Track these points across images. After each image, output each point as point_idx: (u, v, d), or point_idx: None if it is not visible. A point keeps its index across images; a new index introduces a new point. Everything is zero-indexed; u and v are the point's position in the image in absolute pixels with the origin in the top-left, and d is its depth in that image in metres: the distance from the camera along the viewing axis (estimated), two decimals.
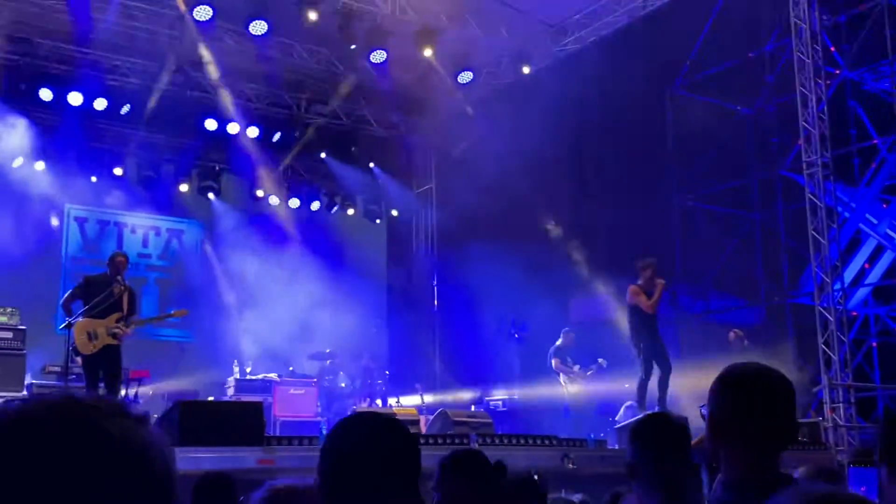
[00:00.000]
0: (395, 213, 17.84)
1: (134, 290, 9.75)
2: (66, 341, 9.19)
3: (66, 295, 9.57)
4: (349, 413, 10.95)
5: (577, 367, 13.53)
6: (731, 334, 13.15)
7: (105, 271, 9.61)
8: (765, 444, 2.25)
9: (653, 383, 11.04)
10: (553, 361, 13.51)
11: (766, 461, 2.25)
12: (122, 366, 9.81)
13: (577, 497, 4.34)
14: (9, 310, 11.41)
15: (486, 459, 4.09)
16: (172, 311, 10.88)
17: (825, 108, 12.48)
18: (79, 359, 9.38)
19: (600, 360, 13.45)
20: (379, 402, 13.78)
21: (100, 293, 9.22)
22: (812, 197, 12.36)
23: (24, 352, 11.07)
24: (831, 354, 11.92)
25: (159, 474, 0.93)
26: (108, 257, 9.78)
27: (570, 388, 13.38)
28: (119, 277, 9.40)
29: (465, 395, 15.34)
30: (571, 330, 13.80)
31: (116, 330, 9.25)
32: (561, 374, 13.44)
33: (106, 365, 9.29)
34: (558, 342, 13.63)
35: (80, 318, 9.20)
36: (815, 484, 3.38)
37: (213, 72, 14.10)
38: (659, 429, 2.73)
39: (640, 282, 11.25)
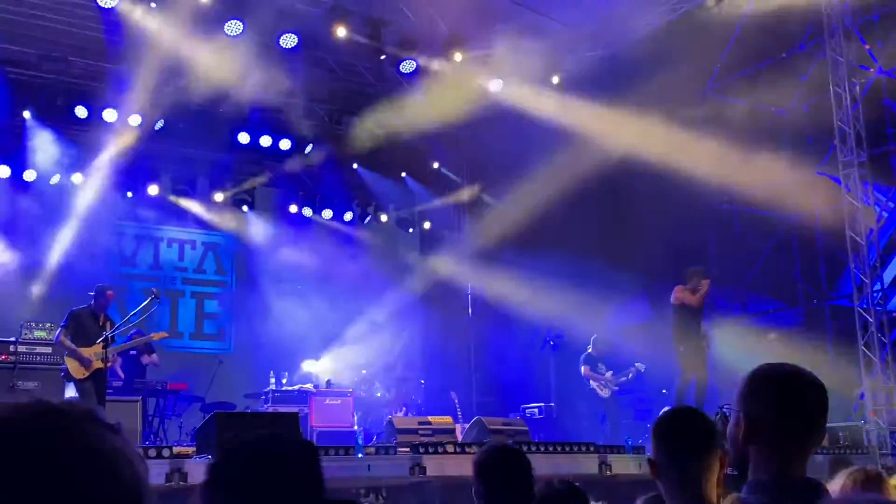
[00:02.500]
0: (427, 224, 17.85)
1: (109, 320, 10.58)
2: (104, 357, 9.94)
3: (60, 332, 10.33)
4: (384, 422, 10.99)
5: (609, 374, 13.44)
6: (771, 336, 13.03)
7: (89, 304, 10.47)
8: (795, 446, 2.22)
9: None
10: (582, 368, 13.49)
11: (795, 464, 2.22)
12: (146, 378, 11.45)
13: None
14: (48, 325, 11.57)
15: (521, 454, 4.07)
16: (153, 334, 11.55)
17: (860, 106, 12.34)
18: (71, 384, 10.16)
19: (637, 364, 13.36)
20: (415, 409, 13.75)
21: (87, 324, 10.24)
22: (849, 197, 12.21)
23: (64, 366, 11.19)
24: (872, 356, 11.76)
25: (127, 482, 0.93)
26: (98, 289, 10.56)
27: (603, 392, 13.36)
28: (105, 310, 10.47)
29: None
30: (601, 337, 13.75)
31: (106, 355, 9.99)
32: (591, 381, 13.41)
33: (96, 386, 10.05)
34: (588, 349, 13.61)
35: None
36: (859, 493, 3.32)
37: (245, 86, 14.20)
38: (681, 424, 2.68)
39: (687, 286, 11.33)
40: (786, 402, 2.24)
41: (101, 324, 10.31)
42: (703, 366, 11.05)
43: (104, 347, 9.94)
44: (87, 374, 10.08)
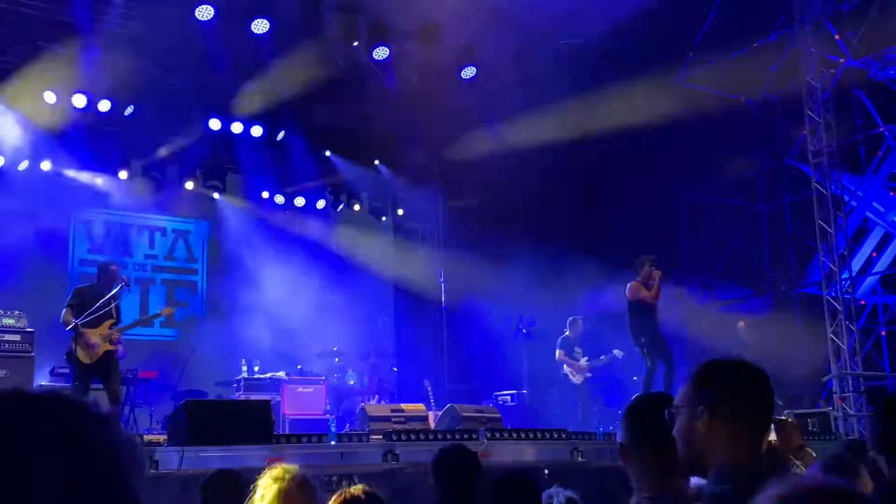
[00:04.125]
0: (400, 211, 17.82)
1: (119, 296, 10.09)
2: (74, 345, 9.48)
3: (65, 311, 9.83)
4: (357, 410, 10.98)
5: (584, 360, 13.34)
6: (741, 324, 13.13)
7: (94, 282, 10.07)
8: (754, 432, 2.30)
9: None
10: (557, 353, 13.37)
11: (756, 450, 2.28)
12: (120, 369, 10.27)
13: (569, 493, 4.33)
14: (16, 312, 11.43)
15: (473, 455, 4.21)
16: (159, 311, 11.08)
17: (830, 96, 12.44)
18: (77, 367, 9.61)
19: (616, 350, 13.24)
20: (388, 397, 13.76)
21: (93, 302, 9.64)
22: (818, 186, 12.33)
23: (33, 354, 11.08)
24: (840, 344, 11.90)
25: (109, 472, 0.93)
26: (100, 267, 10.21)
27: (575, 378, 13.25)
28: (110, 286, 9.83)
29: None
30: (578, 318, 13.62)
31: (113, 336, 9.67)
32: (565, 366, 13.32)
33: (105, 370, 9.65)
34: (566, 332, 13.48)
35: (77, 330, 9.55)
36: (823, 475, 3.36)
37: (217, 71, 14.08)
38: (651, 409, 2.70)
39: (638, 278, 11.30)
40: (741, 390, 2.31)
41: (106, 303, 9.74)
42: (668, 352, 11.10)
43: (111, 328, 9.67)
44: (93, 360, 9.61)
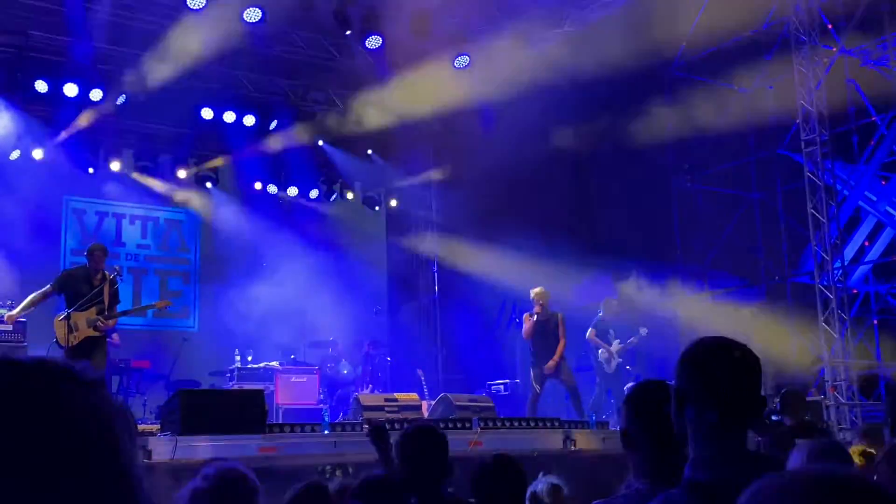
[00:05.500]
0: (393, 202, 17.79)
1: (115, 279, 9.76)
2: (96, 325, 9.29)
3: (41, 290, 9.59)
4: (351, 399, 10.99)
5: (616, 342, 12.56)
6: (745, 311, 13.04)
7: (85, 264, 9.72)
8: (729, 418, 2.20)
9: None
10: (589, 332, 12.66)
11: (733, 437, 2.21)
12: (109, 357, 9.94)
13: (552, 478, 4.36)
14: (9, 302, 11.40)
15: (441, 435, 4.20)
16: (155, 302, 10.81)
17: (823, 85, 12.45)
18: (61, 352, 9.28)
19: (642, 329, 12.52)
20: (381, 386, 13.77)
21: (79, 286, 9.35)
22: (811, 175, 12.34)
23: (25, 344, 11.06)
24: (832, 333, 11.93)
25: (101, 438, 0.91)
26: (87, 250, 9.87)
27: (611, 366, 12.48)
28: (97, 270, 9.49)
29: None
30: (613, 299, 13.03)
31: (98, 322, 9.30)
32: (600, 351, 12.59)
33: (89, 357, 9.24)
34: (599, 312, 12.84)
35: (62, 315, 9.28)
36: (815, 464, 3.36)
37: (208, 61, 14.02)
38: (652, 396, 2.70)
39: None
40: (710, 374, 2.22)
41: (95, 287, 9.40)
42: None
43: (98, 313, 9.29)
44: (70, 343, 9.20)
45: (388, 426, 8.26)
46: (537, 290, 11.53)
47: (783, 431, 7.09)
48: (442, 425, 8.96)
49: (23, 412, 0.87)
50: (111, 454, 0.91)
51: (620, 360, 12.56)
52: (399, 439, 4.32)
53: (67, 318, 9.28)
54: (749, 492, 1.06)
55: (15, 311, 9.73)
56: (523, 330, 11.62)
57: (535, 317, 11.43)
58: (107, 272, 9.69)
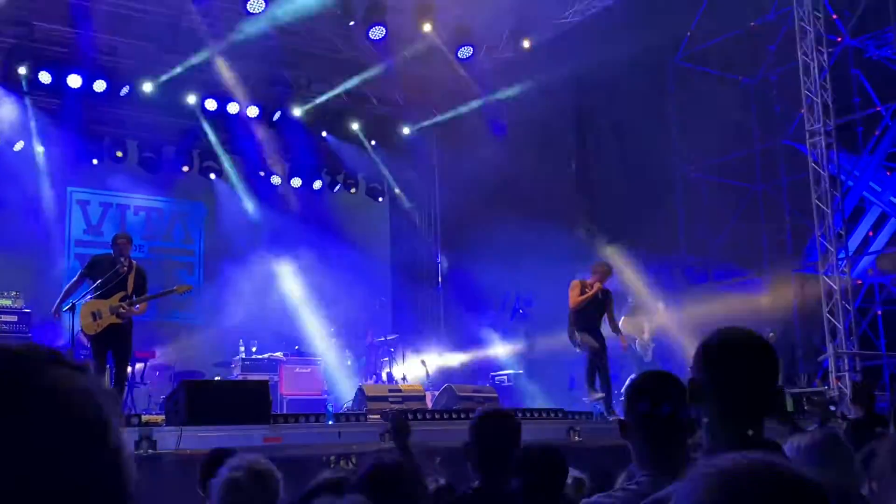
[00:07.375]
0: (397, 191, 17.78)
1: (143, 269, 9.68)
2: (71, 324, 9.16)
3: (74, 278, 9.56)
4: (355, 389, 11.01)
5: (647, 331, 12.66)
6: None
7: (111, 252, 9.61)
8: (743, 410, 2.22)
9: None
10: (622, 321, 12.15)
11: (747, 428, 2.21)
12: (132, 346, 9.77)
13: (576, 473, 4.37)
14: (13, 293, 11.43)
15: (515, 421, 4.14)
16: (176, 287, 10.74)
17: (827, 76, 12.41)
18: (87, 340, 9.29)
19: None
20: (385, 377, 13.78)
21: (105, 274, 9.21)
22: (815, 166, 12.31)
23: (30, 335, 11.09)
24: (836, 323, 11.93)
25: (91, 422, 0.91)
26: (112, 239, 9.77)
27: (647, 354, 12.52)
28: (122, 258, 9.39)
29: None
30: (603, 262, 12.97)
31: (121, 309, 9.20)
32: (637, 340, 12.56)
33: (113, 344, 9.20)
34: (630, 300, 12.92)
35: (87, 299, 9.19)
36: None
37: (211, 51, 14.01)
38: (653, 387, 2.70)
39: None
40: (727, 365, 2.24)
41: (120, 275, 9.29)
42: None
43: (121, 300, 9.18)
44: (95, 331, 9.11)
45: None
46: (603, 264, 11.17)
47: (859, 422, 7.05)
48: (446, 416, 9.00)
49: (13, 396, 0.88)
50: (102, 437, 0.92)
51: (654, 344, 12.57)
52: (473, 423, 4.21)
53: (92, 307, 9.18)
54: (687, 479, 1.08)
55: (56, 305, 9.45)
56: (579, 298, 11.00)
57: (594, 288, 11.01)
58: (133, 261, 9.59)
